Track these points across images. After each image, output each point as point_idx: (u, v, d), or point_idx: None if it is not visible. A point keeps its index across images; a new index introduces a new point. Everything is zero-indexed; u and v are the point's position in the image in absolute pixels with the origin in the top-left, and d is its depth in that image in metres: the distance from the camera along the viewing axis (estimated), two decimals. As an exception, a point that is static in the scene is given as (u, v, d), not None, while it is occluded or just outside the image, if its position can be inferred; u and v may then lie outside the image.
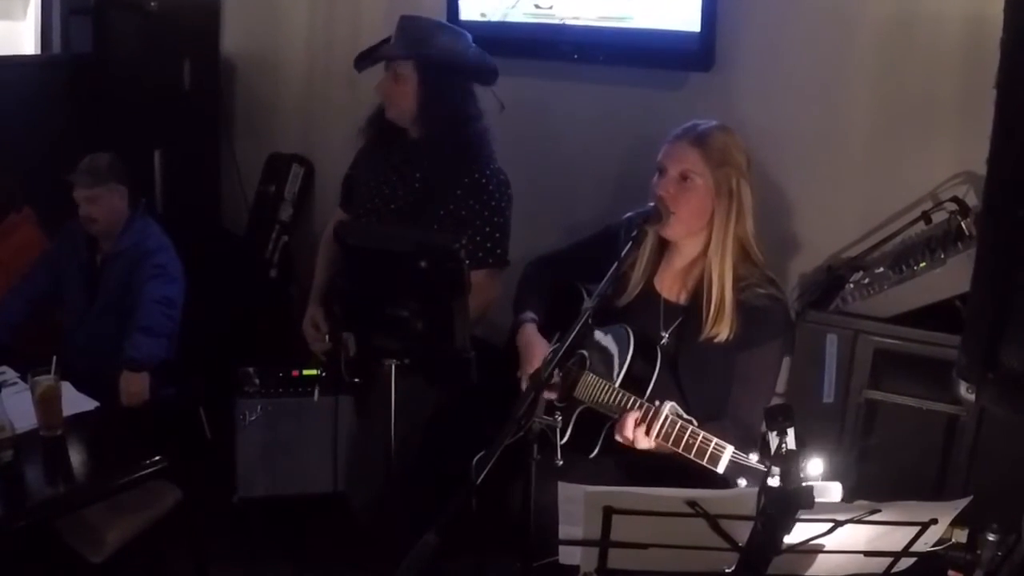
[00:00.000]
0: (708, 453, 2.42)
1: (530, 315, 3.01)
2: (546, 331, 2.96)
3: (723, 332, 2.69)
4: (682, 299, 2.83)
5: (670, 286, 2.86)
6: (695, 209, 2.72)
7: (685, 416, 2.51)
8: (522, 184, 3.42)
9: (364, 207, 3.40)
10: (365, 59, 3.39)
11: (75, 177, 3.90)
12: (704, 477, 2.38)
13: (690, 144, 2.72)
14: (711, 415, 2.58)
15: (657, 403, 2.54)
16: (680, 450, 2.46)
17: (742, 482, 2.26)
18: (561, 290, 3.05)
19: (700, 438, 2.44)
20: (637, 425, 2.52)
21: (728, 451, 2.39)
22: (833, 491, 1.94)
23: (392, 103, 3.30)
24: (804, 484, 1.80)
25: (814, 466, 1.92)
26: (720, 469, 2.39)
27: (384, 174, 3.38)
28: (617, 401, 2.65)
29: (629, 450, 2.57)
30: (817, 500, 1.86)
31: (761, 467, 2.23)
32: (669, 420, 2.49)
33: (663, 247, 2.87)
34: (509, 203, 3.32)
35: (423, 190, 3.28)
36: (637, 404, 2.59)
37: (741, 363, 2.71)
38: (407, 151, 3.33)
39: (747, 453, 2.36)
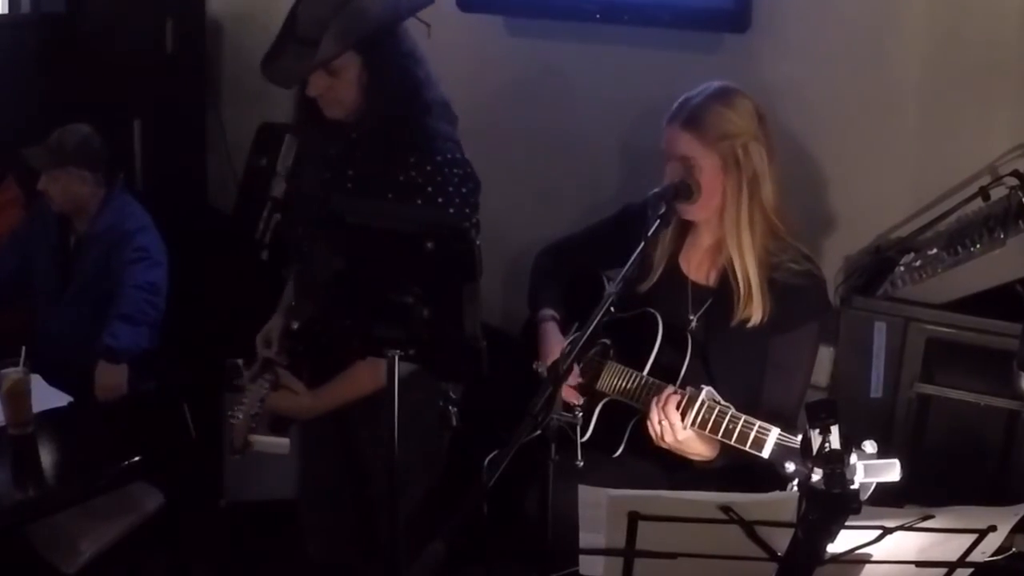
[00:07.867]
0: (751, 437, 2.42)
1: (549, 312, 3.02)
2: (565, 325, 2.98)
3: (755, 315, 2.68)
4: (711, 281, 2.82)
5: (698, 267, 2.86)
6: (709, 190, 2.70)
7: (723, 402, 2.51)
8: (538, 158, 3.42)
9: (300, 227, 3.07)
10: (287, 72, 2.98)
11: (31, 154, 3.88)
12: (741, 479, 2.38)
13: (681, 128, 2.70)
14: (747, 405, 2.58)
15: (691, 389, 2.54)
16: (720, 436, 2.46)
17: (790, 466, 2.26)
18: (578, 278, 3.05)
19: (741, 422, 2.44)
20: (671, 410, 2.52)
21: (773, 433, 2.39)
22: (892, 469, 1.94)
23: (332, 103, 2.92)
24: (859, 462, 1.79)
25: (870, 444, 1.92)
26: (765, 454, 2.39)
27: (320, 174, 3.08)
28: (647, 391, 2.65)
29: (658, 449, 2.58)
30: (875, 480, 1.87)
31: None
32: (707, 405, 2.49)
33: (686, 226, 2.86)
34: (469, 196, 2.90)
35: (356, 192, 2.97)
36: (670, 391, 2.59)
37: (776, 347, 2.71)
38: (347, 141, 3.00)
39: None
